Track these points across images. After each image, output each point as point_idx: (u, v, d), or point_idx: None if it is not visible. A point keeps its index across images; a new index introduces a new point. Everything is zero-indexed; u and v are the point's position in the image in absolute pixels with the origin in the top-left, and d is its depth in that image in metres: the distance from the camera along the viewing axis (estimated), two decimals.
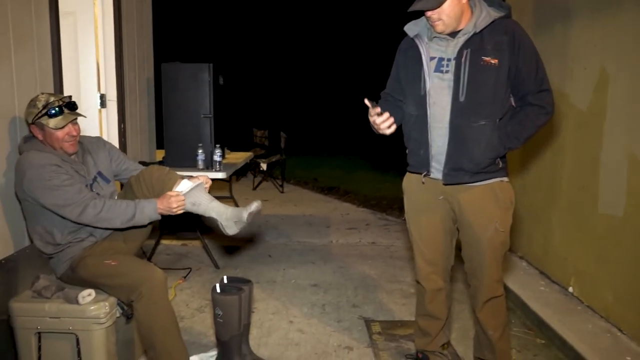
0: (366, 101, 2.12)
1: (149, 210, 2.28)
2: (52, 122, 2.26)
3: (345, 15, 15.70)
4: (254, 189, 7.57)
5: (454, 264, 2.42)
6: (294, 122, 13.70)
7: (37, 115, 2.26)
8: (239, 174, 8.11)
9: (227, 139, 4.68)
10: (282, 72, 15.83)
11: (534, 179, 3.88)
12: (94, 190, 2.41)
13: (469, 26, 2.07)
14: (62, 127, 2.28)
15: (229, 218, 2.38)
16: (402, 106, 2.32)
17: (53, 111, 2.26)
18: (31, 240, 2.45)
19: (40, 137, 2.30)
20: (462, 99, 2.07)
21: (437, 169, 2.19)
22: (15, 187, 2.32)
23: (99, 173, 2.48)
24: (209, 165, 3.90)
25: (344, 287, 3.67)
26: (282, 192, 7.46)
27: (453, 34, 2.09)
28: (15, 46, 2.45)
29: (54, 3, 2.81)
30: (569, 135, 3.41)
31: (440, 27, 2.06)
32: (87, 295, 2.22)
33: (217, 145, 3.92)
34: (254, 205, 2.38)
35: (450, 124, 2.10)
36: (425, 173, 2.23)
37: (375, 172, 9.59)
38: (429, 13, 2.04)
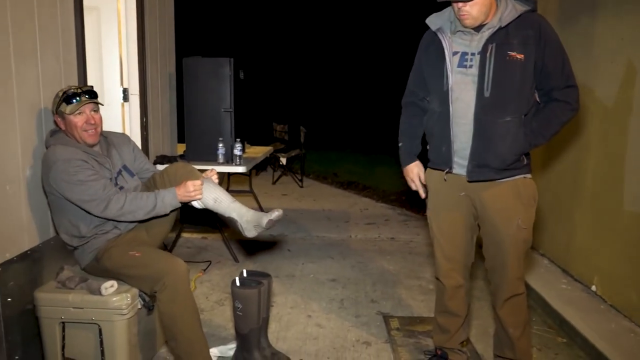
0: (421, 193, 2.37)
1: (169, 198, 2.31)
2: (69, 108, 2.31)
3: (367, 9, 15.60)
4: (274, 183, 7.60)
5: (474, 261, 2.39)
6: (314, 116, 13.69)
7: (57, 103, 2.33)
8: (258, 168, 8.14)
9: (247, 133, 4.70)
10: (302, 66, 15.82)
11: (557, 175, 3.81)
12: (118, 183, 2.45)
13: (494, 20, 2.03)
14: (78, 113, 2.32)
15: (249, 221, 2.39)
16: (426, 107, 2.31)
17: (70, 97, 2.32)
18: (56, 232, 2.50)
19: (62, 126, 2.37)
20: (487, 94, 2.04)
21: (460, 165, 2.17)
22: (42, 181, 2.38)
23: (124, 166, 2.53)
24: (229, 159, 3.92)
25: (362, 282, 3.67)
26: (302, 186, 7.47)
27: (477, 28, 2.06)
28: (41, 41, 2.49)
29: None
30: (593, 130, 3.34)
31: (469, 21, 2.02)
32: (109, 286, 2.26)
33: (238, 140, 3.94)
34: (275, 214, 2.38)
35: (475, 120, 2.07)
36: (447, 170, 2.21)
37: (395, 167, 9.53)
38: (460, 4, 1.99)
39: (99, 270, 2.38)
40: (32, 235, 2.43)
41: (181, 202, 2.35)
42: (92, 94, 2.39)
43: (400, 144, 2.44)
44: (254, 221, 2.38)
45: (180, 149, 4.36)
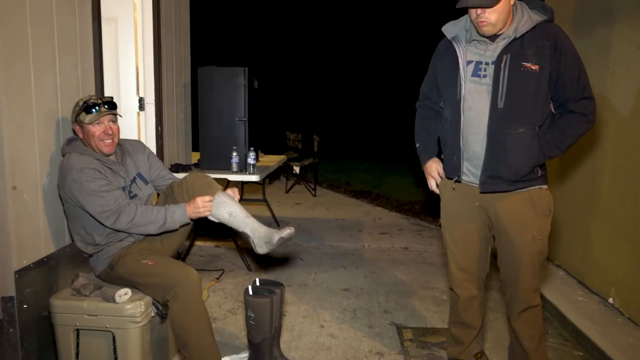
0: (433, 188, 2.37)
1: (179, 214, 2.33)
2: (88, 118, 2.35)
3: (380, 18, 15.64)
4: (287, 192, 7.61)
5: (488, 272, 2.37)
6: (328, 125, 13.72)
7: (77, 112, 2.37)
8: (272, 177, 8.17)
9: (261, 142, 4.73)
10: (316, 75, 15.88)
11: (573, 185, 3.77)
12: (132, 191, 2.48)
13: (509, 30, 2.02)
14: (97, 123, 2.36)
15: (261, 237, 2.40)
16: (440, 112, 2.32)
17: (90, 107, 2.35)
18: (72, 239, 2.53)
19: (80, 135, 2.41)
20: (500, 105, 2.02)
21: (473, 175, 2.16)
22: (58, 188, 2.41)
23: (139, 174, 2.56)
24: (243, 168, 3.94)
25: (375, 293, 3.65)
26: (315, 195, 7.47)
27: (492, 38, 2.06)
28: (60, 50, 2.53)
29: (97, 9, 2.89)
30: (609, 140, 3.31)
31: (487, 28, 2.00)
32: (123, 294, 2.27)
33: (251, 148, 3.96)
34: (287, 232, 2.37)
35: (488, 131, 2.06)
36: (455, 179, 2.20)
37: (408, 176, 9.50)
38: (479, 11, 1.98)
39: (113, 277, 2.40)
40: (48, 242, 2.46)
41: (191, 219, 2.37)
42: (112, 105, 2.43)
43: (417, 145, 2.42)
44: (265, 237, 2.39)
45: (195, 157, 4.39)
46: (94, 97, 2.41)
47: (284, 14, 15.50)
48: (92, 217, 2.31)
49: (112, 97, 2.49)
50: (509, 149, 2.04)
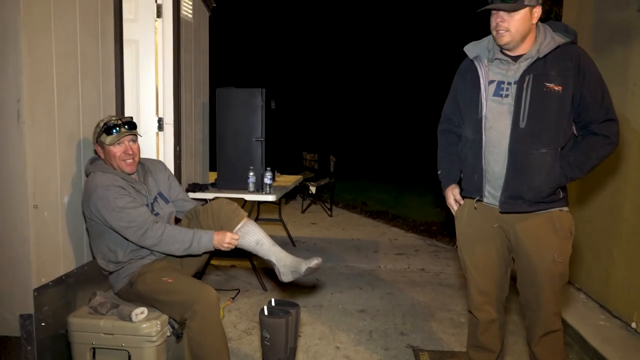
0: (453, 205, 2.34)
1: (205, 241, 2.36)
2: (109, 139, 2.40)
3: (397, 38, 15.76)
4: (303, 212, 7.62)
5: (507, 294, 2.33)
6: (344, 145, 13.76)
7: (98, 133, 2.42)
8: (288, 197, 8.18)
9: (277, 162, 4.75)
10: (332, 96, 15.99)
11: (594, 207, 3.71)
12: (154, 209, 2.52)
13: (531, 51, 2.02)
14: (117, 144, 2.40)
15: (286, 265, 2.43)
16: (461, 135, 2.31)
17: (110, 128, 2.40)
18: (93, 257, 2.55)
19: (101, 155, 2.46)
20: (522, 125, 2.01)
21: (492, 195, 2.14)
22: (82, 206, 2.46)
23: (160, 193, 2.60)
24: (260, 188, 3.96)
25: (391, 314, 3.61)
26: (331, 215, 7.46)
27: (515, 58, 2.06)
28: (83, 72, 2.59)
29: (118, 32, 2.97)
30: (631, 161, 3.26)
31: (506, 38, 2.00)
32: (140, 313, 2.28)
33: (268, 168, 3.99)
34: (315, 262, 2.41)
35: (509, 150, 2.04)
36: (477, 198, 2.18)
37: (425, 197, 9.45)
38: (499, 19, 1.99)
39: (132, 294, 2.42)
40: (67, 260, 2.49)
41: (215, 248, 2.40)
42: (131, 125, 2.47)
43: (439, 172, 2.42)
44: (291, 266, 2.42)
45: (212, 177, 4.43)
46: (114, 118, 2.46)
47: (301, 36, 15.70)
48: (118, 232, 2.35)
49: (131, 117, 2.54)
50: (530, 169, 2.02)
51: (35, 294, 2.23)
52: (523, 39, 2.02)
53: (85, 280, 2.59)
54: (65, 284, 2.45)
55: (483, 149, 2.10)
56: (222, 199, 2.65)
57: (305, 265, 2.38)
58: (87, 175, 2.47)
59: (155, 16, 3.72)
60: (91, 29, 2.68)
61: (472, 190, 2.21)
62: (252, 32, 15.19)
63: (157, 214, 2.52)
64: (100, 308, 2.35)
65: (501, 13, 1.99)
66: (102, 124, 2.43)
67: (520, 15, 1.97)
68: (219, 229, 2.47)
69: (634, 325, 3.16)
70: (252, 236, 2.45)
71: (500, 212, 2.12)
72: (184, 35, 3.95)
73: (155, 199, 2.56)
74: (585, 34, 3.84)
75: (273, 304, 2.54)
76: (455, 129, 2.37)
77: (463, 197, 2.31)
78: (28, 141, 2.18)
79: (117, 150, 2.41)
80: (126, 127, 2.44)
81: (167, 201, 2.63)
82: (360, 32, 15.80)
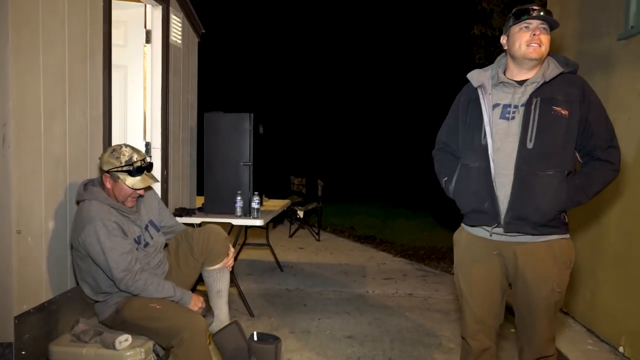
0: None
1: (183, 302, 2.41)
2: (130, 181, 2.33)
3: (383, 63, 16.00)
4: (290, 236, 7.59)
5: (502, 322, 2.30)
6: (332, 170, 13.81)
7: (117, 168, 2.32)
8: (276, 221, 8.15)
9: (265, 186, 4.75)
10: (320, 121, 16.11)
11: (579, 231, 3.74)
12: (145, 239, 2.48)
13: (537, 76, 2.06)
14: (138, 189, 2.37)
15: (217, 324, 2.62)
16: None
17: (134, 172, 2.33)
18: (77, 283, 2.51)
19: (108, 185, 2.36)
20: (530, 145, 2.01)
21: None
22: (71, 235, 2.40)
23: (150, 221, 2.57)
24: (247, 212, 3.95)
25: (380, 340, 3.57)
26: (319, 240, 7.43)
27: (520, 82, 2.08)
28: (70, 97, 2.59)
29: (107, 57, 2.98)
30: (615, 186, 3.30)
31: (538, 51, 2.02)
32: (124, 340, 2.24)
33: (256, 193, 3.98)
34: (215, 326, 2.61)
35: (515, 171, 2.03)
36: (495, 225, 2.09)
37: (412, 221, 9.47)
38: (538, 31, 2.01)
39: (118, 321, 2.37)
40: (50, 286, 2.45)
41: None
42: (151, 167, 2.46)
43: (445, 179, 2.31)
44: (218, 326, 2.59)
45: (199, 201, 4.41)
46: (136, 156, 2.36)
47: (289, 61, 15.88)
48: (102, 270, 2.32)
49: (151, 156, 2.49)
50: (536, 190, 2.01)
51: (16, 321, 2.18)
52: (544, 59, 2.06)
53: (68, 307, 2.55)
54: (48, 310, 2.40)
55: (493, 173, 2.05)
56: (219, 231, 2.69)
57: (216, 328, 2.57)
58: (77, 202, 2.40)
59: (145, 42, 3.75)
60: (80, 54, 2.69)
61: (484, 218, 2.12)
62: (241, 57, 15.34)
63: (147, 244, 2.48)
64: (83, 336, 2.30)
65: (540, 28, 2.02)
66: (123, 161, 2.32)
67: (549, 36, 2.04)
68: (204, 259, 2.61)
69: (621, 349, 3.16)
70: (218, 284, 2.64)
71: (504, 232, 2.08)
72: (173, 61, 3.98)
73: (147, 227, 2.53)
74: None
75: (255, 338, 2.51)
76: (452, 151, 2.34)
77: (468, 226, 2.24)
78: (13, 165, 2.17)
79: (130, 191, 2.36)
80: (147, 170, 2.40)
81: (157, 229, 2.60)
82: (346, 55, 16.03)
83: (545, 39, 2.03)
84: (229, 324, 2.55)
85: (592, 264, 3.53)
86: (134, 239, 2.40)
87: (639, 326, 2.99)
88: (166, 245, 2.71)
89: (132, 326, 2.33)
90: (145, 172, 2.38)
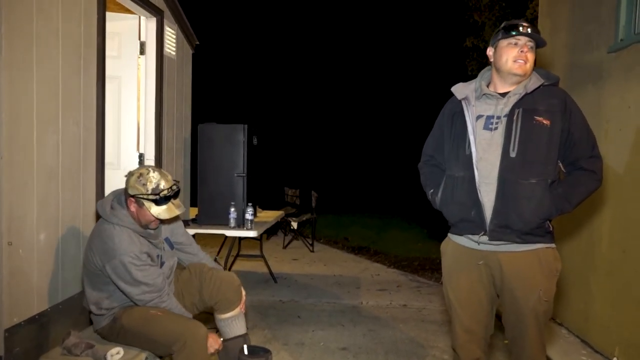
0: None
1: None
2: (155, 210, 2.28)
3: (377, 77, 16.10)
4: (284, 247, 7.56)
5: (493, 332, 2.31)
6: (326, 181, 13.82)
7: (143, 195, 2.27)
8: (269, 232, 8.13)
9: (259, 198, 4.74)
10: (314, 132, 16.15)
11: (572, 242, 3.76)
12: (163, 259, 2.47)
13: (519, 88, 2.09)
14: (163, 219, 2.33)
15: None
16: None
17: (161, 201, 2.28)
18: (69, 296, 2.49)
19: (132, 209, 2.31)
20: (513, 154, 2.04)
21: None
22: (90, 252, 2.31)
23: (166, 239, 2.55)
24: (241, 224, 3.93)
25: (374, 352, 3.56)
26: (312, 251, 7.41)
27: (503, 94, 2.11)
28: (64, 108, 2.59)
29: (101, 69, 2.99)
30: (606, 196, 3.33)
31: (524, 68, 2.06)
32: (115, 353, 2.22)
33: (250, 204, 3.97)
34: None
35: (498, 179, 2.05)
36: (483, 233, 2.11)
37: (406, 232, 9.47)
38: (525, 48, 2.05)
39: (115, 330, 2.35)
40: (41, 299, 2.42)
41: None
42: (178, 193, 2.40)
43: (431, 191, 2.34)
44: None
45: (193, 212, 4.39)
46: (164, 183, 2.29)
47: (283, 72, 15.96)
48: (123, 293, 2.32)
49: (178, 182, 2.42)
50: (519, 198, 2.03)
51: (7, 334, 2.16)
52: (528, 76, 2.10)
53: (59, 319, 2.52)
54: (39, 323, 2.38)
55: (477, 182, 2.08)
56: (233, 277, 2.63)
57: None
58: (100, 215, 2.32)
59: (139, 53, 3.76)
60: (73, 66, 2.70)
61: (470, 227, 2.14)
62: (235, 69, 15.39)
63: (163, 263, 2.47)
64: (74, 349, 2.27)
65: (527, 46, 2.06)
66: (150, 189, 2.26)
67: (534, 54, 2.08)
68: (213, 303, 2.55)
69: (615, 359, 3.16)
70: (235, 331, 2.56)
71: (489, 240, 2.10)
72: (167, 72, 3.99)
73: (163, 247, 2.51)
74: (560, 75, 3.95)
75: (245, 351, 2.50)
76: (438, 164, 2.37)
77: (454, 235, 2.25)
78: (5, 176, 2.16)
79: (154, 219, 2.32)
80: (174, 198, 2.35)
81: (171, 246, 2.57)
82: (340, 67, 16.12)
83: (531, 56, 2.08)
84: (235, 338, 2.51)
85: (585, 275, 3.54)
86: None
87: (633, 336, 3.00)
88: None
89: (129, 334, 2.30)
90: (172, 199, 2.33)
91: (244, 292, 2.65)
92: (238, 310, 2.58)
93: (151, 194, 2.26)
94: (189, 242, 2.70)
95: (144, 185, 2.27)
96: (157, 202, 2.27)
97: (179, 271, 2.68)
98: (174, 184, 2.36)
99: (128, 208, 2.32)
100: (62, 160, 2.58)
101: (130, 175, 2.33)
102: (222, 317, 2.57)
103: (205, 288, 2.54)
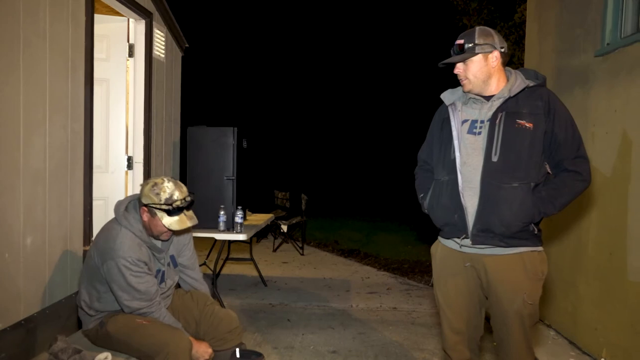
0: None
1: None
2: (167, 221, 2.26)
3: (367, 81, 16.14)
4: (274, 250, 7.54)
5: (483, 334, 2.32)
6: (315, 184, 13.82)
7: (155, 204, 2.25)
8: (259, 235, 8.11)
9: (249, 201, 4.73)
10: (304, 135, 16.16)
11: (560, 244, 3.79)
12: (165, 277, 2.45)
13: (503, 91, 2.11)
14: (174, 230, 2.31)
15: None
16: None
17: (173, 212, 2.26)
18: (57, 301, 2.46)
19: (145, 218, 2.30)
20: (495, 159, 2.06)
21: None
22: (94, 247, 2.33)
23: (172, 257, 2.53)
24: (230, 227, 3.92)
25: (364, 355, 3.55)
26: (302, 254, 7.40)
27: (487, 98, 2.13)
28: (51, 111, 2.56)
29: (89, 71, 2.96)
30: (593, 199, 3.36)
31: (467, 85, 2.12)
32: (103, 358, 2.20)
33: (239, 207, 3.96)
34: None
35: (481, 184, 2.07)
36: (464, 236, 2.14)
37: (396, 235, 9.50)
38: (456, 70, 2.12)
39: (101, 335, 2.33)
40: (27, 304, 2.39)
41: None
42: (192, 204, 2.36)
43: (421, 195, 2.36)
44: None
45: None
46: (177, 193, 2.28)
47: (273, 75, 15.94)
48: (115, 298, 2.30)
49: (193, 193, 2.40)
50: (500, 202, 2.04)
51: None
52: (485, 82, 2.11)
53: (46, 325, 2.49)
54: (25, 329, 2.35)
55: (461, 186, 2.11)
56: (232, 317, 2.60)
57: None
58: (116, 214, 2.31)
59: (127, 55, 3.74)
60: (61, 68, 2.67)
61: (454, 230, 2.18)
62: (225, 71, 15.36)
63: (163, 281, 2.45)
64: (61, 354, 2.25)
65: (458, 65, 2.13)
66: (163, 199, 2.25)
67: (474, 63, 2.09)
68: (208, 339, 2.48)
69: None
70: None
71: (472, 244, 2.12)
72: (156, 75, 3.96)
73: (168, 263, 2.49)
74: (547, 78, 4.00)
75: (238, 355, 2.48)
76: (430, 169, 2.39)
77: (442, 238, 2.28)
78: None
79: (165, 229, 2.29)
80: (187, 209, 2.32)
81: (175, 265, 2.55)
82: (330, 71, 16.15)
83: (467, 72, 2.11)
84: (228, 349, 2.49)
85: (573, 277, 3.57)
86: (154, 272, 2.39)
87: (620, 338, 3.03)
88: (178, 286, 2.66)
89: (114, 341, 2.29)
90: (185, 210, 2.31)
91: (241, 332, 2.63)
92: (232, 346, 2.53)
93: (164, 204, 2.25)
94: (193, 267, 2.66)
95: (158, 194, 2.26)
96: (170, 213, 2.25)
97: (182, 291, 2.65)
98: (188, 195, 2.34)
99: (141, 216, 2.32)
100: (49, 164, 2.55)
101: (145, 184, 2.33)
102: (221, 350, 2.53)
103: (203, 323, 2.52)
